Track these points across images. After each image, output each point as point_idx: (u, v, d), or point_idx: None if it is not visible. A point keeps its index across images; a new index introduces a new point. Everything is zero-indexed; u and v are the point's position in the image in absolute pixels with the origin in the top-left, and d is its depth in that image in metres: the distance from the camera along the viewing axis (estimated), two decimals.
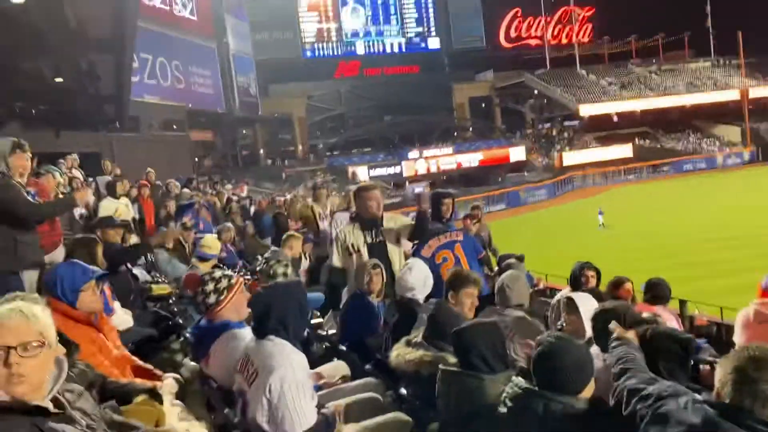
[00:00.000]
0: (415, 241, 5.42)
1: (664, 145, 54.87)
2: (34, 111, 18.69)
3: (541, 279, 9.31)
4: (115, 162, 16.72)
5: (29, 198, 4.50)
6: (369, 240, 5.15)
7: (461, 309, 3.81)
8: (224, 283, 3.38)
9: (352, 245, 5.12)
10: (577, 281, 5.34)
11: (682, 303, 7.00)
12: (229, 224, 9.59)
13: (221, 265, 6.41)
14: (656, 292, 5.03)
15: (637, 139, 54.44)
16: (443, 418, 2.94)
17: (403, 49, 60.35)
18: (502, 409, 2.48)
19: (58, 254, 5.11)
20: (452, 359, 3.05)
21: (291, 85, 52.83)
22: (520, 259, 6.45)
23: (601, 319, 3.13)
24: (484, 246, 8.03)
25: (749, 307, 3.41)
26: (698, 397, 2.03)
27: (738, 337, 3.64)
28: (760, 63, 59.12)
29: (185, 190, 12.94)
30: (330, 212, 8.89)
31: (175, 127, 32.78)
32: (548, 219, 31.54)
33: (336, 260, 5.21)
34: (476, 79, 61.31)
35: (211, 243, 6.34)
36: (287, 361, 2.74)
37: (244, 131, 49.17)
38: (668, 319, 4.73)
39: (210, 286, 3.36)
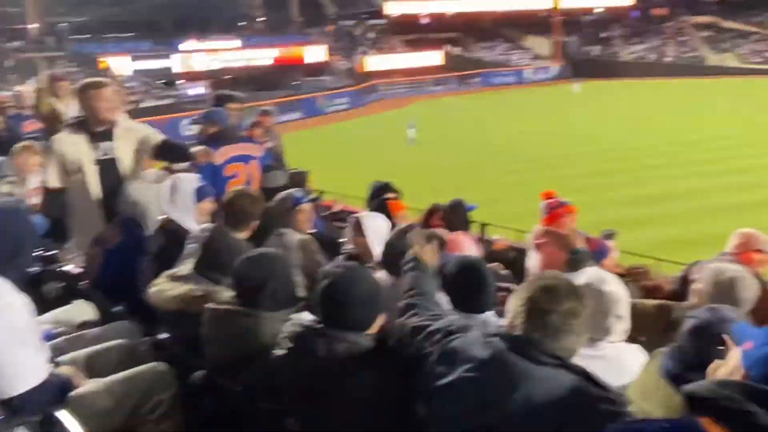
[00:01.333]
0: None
1: (474, 55, 58.53)
2: None
3: (337, 201, 9.55)
4: None
5: None
6: (98, 155, 4.70)
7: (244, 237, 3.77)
8: None
9: (74, 162, 4.67)
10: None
11: (483, 226, 7.64)
12: None
13: None
14: (454, 217, 5.31)
15: (447, 46, 57.22)
16: (211, 365, 2.89)
17: None
18: (280, 351, 2.49)
19: None
20: (227, 294, 3.00)
21: None
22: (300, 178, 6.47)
23: (392, 248, 3.34)
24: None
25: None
26: (491, 328, 2.20)
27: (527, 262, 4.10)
28: None
29: None
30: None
31: None
32: (351, 131, 32.36)
33: (53, 179, 4.69)
34: None
35: None
36: None
37: None
38: (466, 246, 5.10)
39: None
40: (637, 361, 2.53)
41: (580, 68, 55.45)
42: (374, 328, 2.51)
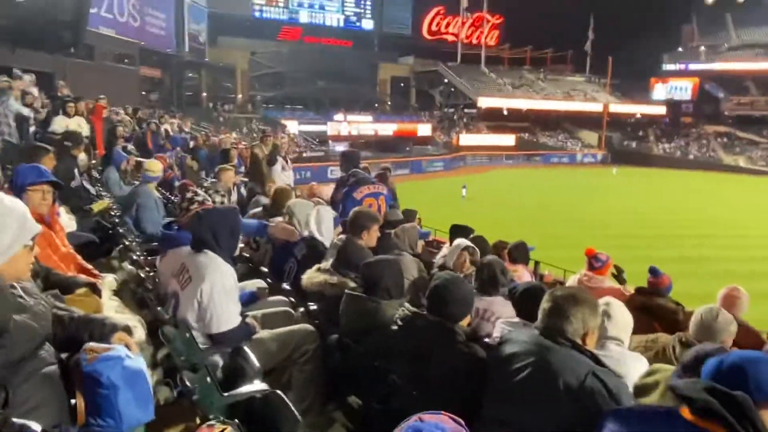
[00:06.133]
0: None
1: (539, 140, 57.32)
2: None
3: (430, 232, 9.57)
4: (67, 84, 15.31)
5: None
6: None
7: (370, 242, 3.87)
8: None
9: None
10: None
11: (536, 263, 7.48)
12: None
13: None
14: (518, 253, 5.25)
15: (519, 132, 56.48)
16: (343, 331, 3.01)
17: (341, 25, 58.28)
18: (394, 327, 2.59)
19: None
20: (352, 284, 3.11)
21: (238, 39, 49.84)
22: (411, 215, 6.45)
23: (484, 269, 3.37)
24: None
25: (575, 276, 3.81)
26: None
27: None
28: (621, 84, 62.87)
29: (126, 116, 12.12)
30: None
31: (126, 60, 30.23)
32: (441, 187, 32.32)
33: None
34: (399, 61, 60.67)
35: (153, 166, 5.99)
36: (218, 271, 2.70)
37: (190, 74, 45.99)
38: (525, 275, 5.03)
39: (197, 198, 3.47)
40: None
41: (618, 157, 53.17)
42: (464, 322, 2.56)
